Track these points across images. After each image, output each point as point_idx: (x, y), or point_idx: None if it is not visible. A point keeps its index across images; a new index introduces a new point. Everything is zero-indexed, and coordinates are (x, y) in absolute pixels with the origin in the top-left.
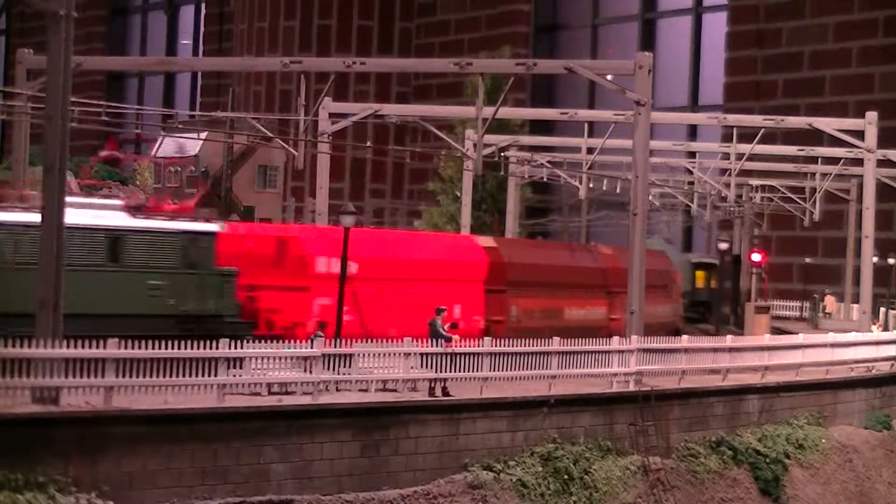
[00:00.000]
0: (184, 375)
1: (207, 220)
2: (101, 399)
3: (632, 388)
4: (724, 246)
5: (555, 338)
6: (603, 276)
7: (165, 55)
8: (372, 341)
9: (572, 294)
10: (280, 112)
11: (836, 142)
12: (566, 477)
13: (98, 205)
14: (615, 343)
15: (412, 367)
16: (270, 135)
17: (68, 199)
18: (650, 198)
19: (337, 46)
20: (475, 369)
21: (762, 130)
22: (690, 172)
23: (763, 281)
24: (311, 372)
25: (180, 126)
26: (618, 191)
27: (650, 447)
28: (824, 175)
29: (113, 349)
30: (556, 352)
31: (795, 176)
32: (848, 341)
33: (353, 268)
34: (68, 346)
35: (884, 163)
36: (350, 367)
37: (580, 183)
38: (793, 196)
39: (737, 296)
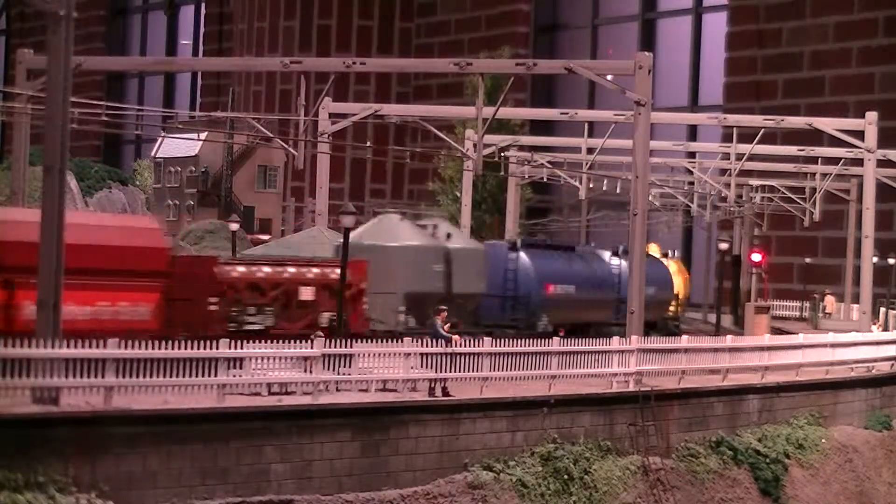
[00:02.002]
0: (184, 375)
1: None
2: (101, 399)
3: (632, 388)
4: (724, 246)
5: (554, 339)
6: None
7: (165, 55)
8: None
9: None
10: (280, 112)
11: (836, 142)
12: (566, 477)
13: None
14: (615, 343)
15: (412, 367)
16: (270, 135)
17: None
18: (650, 198)
19: (337, 46)
20: (475, 369)
21: (762, 130)
22: (690, 172)
23: (763, 281)
24: (311, 372)
25: (180, 126)
26: (618, 191)
27: (650, 447)
28: (824, 175)
29: (113, 349)
30: (557, 352)
31: (795, 176)
32: (848, 341)
33: None
34: (68, 346)
35: (884, 163)
36: (350, 367)
37: (580, 183)
38: (793, 196)
39: (737, 296)
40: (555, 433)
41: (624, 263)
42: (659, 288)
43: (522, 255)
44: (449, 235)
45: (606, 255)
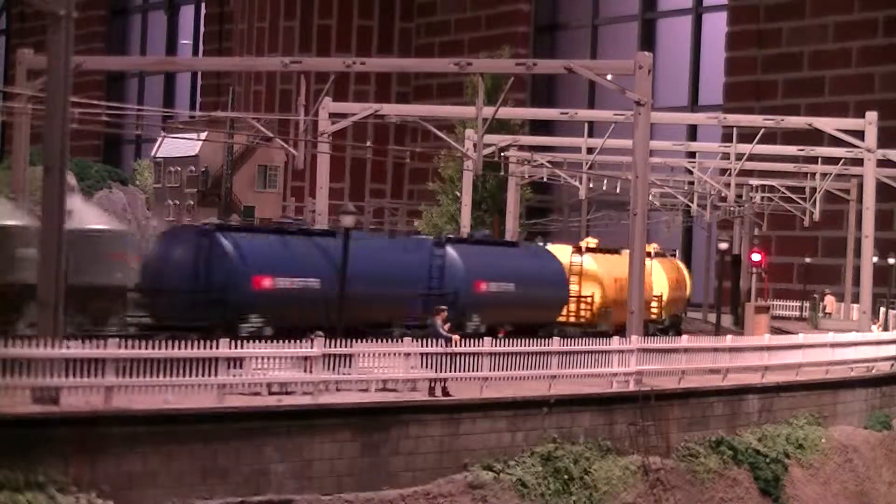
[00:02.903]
0: (184, 375)
1: None
2: (101, 399)
3: (632, 388)
4: (724, 246)
5: (555, 338)
6: None
7: (165, 55)
8: None
9: None
10: (280, 112)
11: (836, 142)
12: (566, 477)
13: None
14: (615, 343)
15: (412, 367)
16: (270, 135)
17: None
18: (650, 198)
19: (337, 46)
20: (475, 369)
21: (762, 130)
22: (690, 172)
23: (763, 281)
24: (311, 372)
25: (180, 126)
26: (618, 191)
27: (650, 447)
28: (824, 175)
29: (113, 349)
30: (556, 352)
31: (795, 176)
32: (848, 341)
33: None
34: (68, 347)
35: (884, 163)
36: (350, 367)
37: (580, 183)
38: (793, 196)
39: (736, 296)
40: (555, 433)
41: (453, 252)
42: (537, 285)
43: (223, 240)
44: (69, 213)
45: (425, 243)
